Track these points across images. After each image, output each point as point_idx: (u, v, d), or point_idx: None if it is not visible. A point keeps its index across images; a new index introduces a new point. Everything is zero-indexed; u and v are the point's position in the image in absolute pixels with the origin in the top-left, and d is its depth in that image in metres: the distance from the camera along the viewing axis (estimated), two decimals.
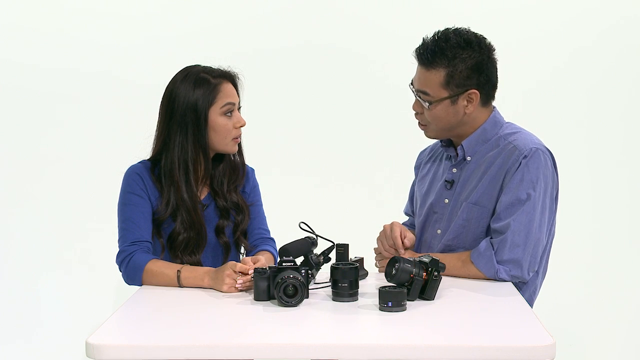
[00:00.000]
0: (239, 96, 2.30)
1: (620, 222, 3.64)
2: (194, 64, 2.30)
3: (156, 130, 2.29)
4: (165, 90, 2.28)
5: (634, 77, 3.61)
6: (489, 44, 2.22)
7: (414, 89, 2.25)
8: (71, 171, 3.54)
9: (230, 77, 2.29)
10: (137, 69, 3.51)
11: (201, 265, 2.25)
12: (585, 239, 3.59)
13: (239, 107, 2.31)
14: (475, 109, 2.22)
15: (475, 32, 2.22)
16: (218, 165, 2.34)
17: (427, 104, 2.20)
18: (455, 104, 2.20)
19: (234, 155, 2.35)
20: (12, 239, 3.55)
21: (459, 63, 2.16)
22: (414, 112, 2.28)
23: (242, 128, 2.29)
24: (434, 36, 2.20)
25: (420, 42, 2.23)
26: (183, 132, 2.23)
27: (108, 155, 3.47)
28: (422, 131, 2.31)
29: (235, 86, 2.30)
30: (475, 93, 2.20)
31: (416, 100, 2.25)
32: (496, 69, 2.24)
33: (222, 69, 2.29)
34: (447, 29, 2.20)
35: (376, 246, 2.33)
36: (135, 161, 2.31)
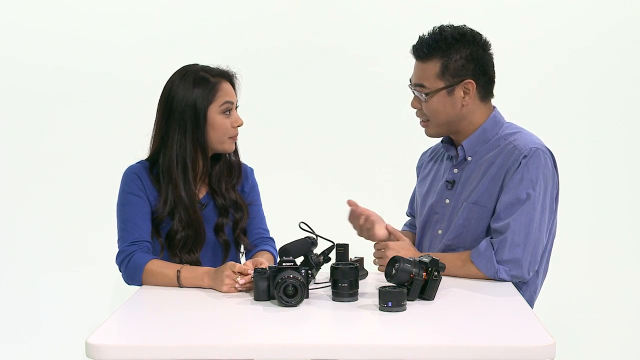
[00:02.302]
0: (236, 96, 2.31)
1: (620, 222, 3.64)
2: (192, 63, 2.30)
3: (153, 130, 2.30)
4: (164, 89, 2.28)
5: (634, 78, 3.61)
6: (485, 39, 2.25)
7: (411, 86, 2.27)
8: (71, 171, 3.54)
9: (228, 77, 2.29)
10: (136, 69, 3.51)
11: (200, 264, 2.25)
12: (585, 239, 3.59)
13: (236, 107, 2.31)
14: (473, 102, 2.23)
15: (471, 28, 2.25)
16: (215, 165, 2.34)
17: (424, 95, 2.21)
18: (451, 95, 2.22)
19: (229, 155, 2.36)
20: (12, 239, 3.54)
21: (453, 53, 2.20)
22: (414, 109, 2.29)
23: (240, 128, 2.30)
24: (429, 32, 2.25)
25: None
26: (182, 130, 2.23)
27: (107, 156, 3.47)
28: (423, 129, 2.31)
29: (233, 86, 2.31)
30: (471, 83, 2.21)
31: (414, 96, 2.27)
32: (493, 64, 2.27)
33: (220, 68, 2.29)
34: (442, 25, 2.25)
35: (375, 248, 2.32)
36: (134, 161, 2.32)
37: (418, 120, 2.33)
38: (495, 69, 2.28)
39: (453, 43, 2.20)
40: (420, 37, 2.25)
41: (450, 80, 2.21)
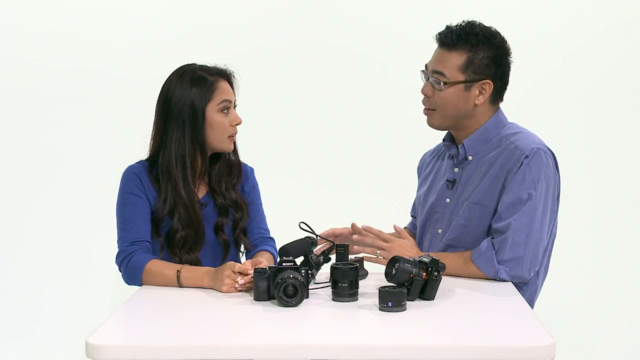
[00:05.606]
0: (234, 95, 2.31)
1: (619, 222, 3.64)
2: (189, 63, 2.31)
3: (152, 130, 2.30)
4: (162, 89, 2.28)
5: (632, 77, 3.61)
6: (509, 46, 2.26)
7: (427, 72, 2.26)
8: (70, 172, 3.54)
9: (226, 76, 2.30)
10: (134, 69, 3.51)
11: (200, 264, 2.25)
12: (585, 239, 3.59)
13: (235, 106, 2.31)
14: (485, 104, 2.23)
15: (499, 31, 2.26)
16: (215, 164, 2.34)
17: (442, 84, 2.21)
18: (467, 91, 2.21)
19: (229, 154, 2.36)
20: (12, 239, 3.54)
21: (481, 51, 2.20)
22: (423, 95, 2.27)
23: (240, 128, 2.30)
24: (459, 24, 2.24)
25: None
26: (180, 129, 2.23)
27: (107, 156, 3.47)
28: (426, 117, 2.29)
29: (231, 84, 2.31)
30: (489, 84, 2.21)
31: (427, 82, 2.26)
32: (509, 71, 2.27)
33: (218, 67, 2.30)
34: (473, 20, 2.25)
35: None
36: (133, 161, 2.32)
37: (420, 121, 2.31)
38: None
39: (483, 40, 2.20)
40: (448, 26, 2.24)
41: (471, 76, 2.20)
